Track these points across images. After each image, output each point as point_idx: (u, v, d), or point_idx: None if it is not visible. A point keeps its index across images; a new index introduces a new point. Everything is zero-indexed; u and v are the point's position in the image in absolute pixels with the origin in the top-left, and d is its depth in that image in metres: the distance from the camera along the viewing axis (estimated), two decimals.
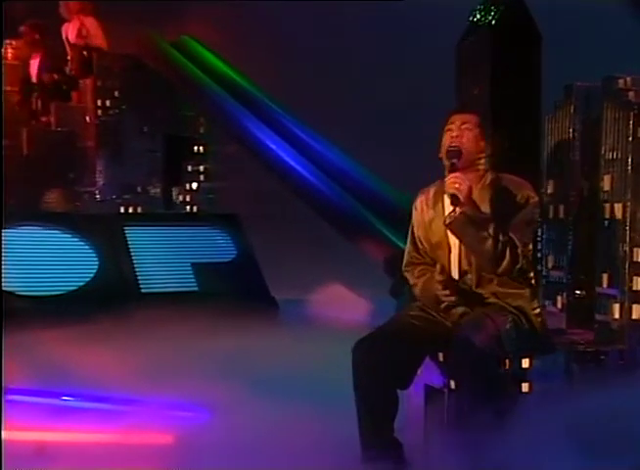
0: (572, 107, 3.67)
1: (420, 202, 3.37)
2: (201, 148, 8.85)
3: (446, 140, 3.24)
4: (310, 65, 8.71)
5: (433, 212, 3.28)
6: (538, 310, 3.21)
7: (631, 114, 3.36)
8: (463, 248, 3.19)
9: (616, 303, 3.41)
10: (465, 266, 3.21)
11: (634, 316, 3.36)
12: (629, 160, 3.37)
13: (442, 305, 3.26)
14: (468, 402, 3.00)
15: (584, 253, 3.63)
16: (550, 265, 3.71)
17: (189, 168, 8.72)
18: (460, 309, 3.24)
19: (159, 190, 8.45)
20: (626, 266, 3.37)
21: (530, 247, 3.19)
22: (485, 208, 3.14)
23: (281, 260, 8.09)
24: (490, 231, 3.04)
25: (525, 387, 3.13)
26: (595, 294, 3.55)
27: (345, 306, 7.60)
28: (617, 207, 3.40)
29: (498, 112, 4.02)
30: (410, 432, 3.36)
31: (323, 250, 8.28)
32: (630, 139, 3.35)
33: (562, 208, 3.69)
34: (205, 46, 8.83)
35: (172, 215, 8.17)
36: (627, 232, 3.37)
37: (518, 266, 3.07)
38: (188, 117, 8.77)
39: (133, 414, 4.11)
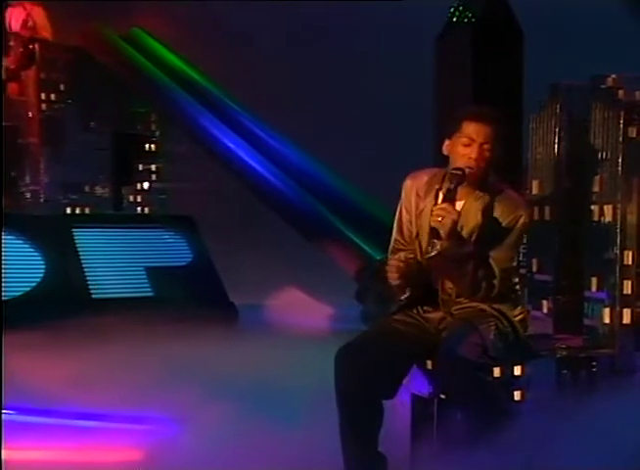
0: (558, 106, 3.70)
1: (410, 187, 3.30)
2: (152, 146, 8.72)
3: (462, 156, 3.14)
4: (270, 61, 8.68)
5: (422, 203, 3.25)
6: (521, 316, 3.23)
7: (622, 113, 3.41)
8: None
9: (606, 307, 3.44)
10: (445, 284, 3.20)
11: (625, 321, 3.40)
12: (620, 160, 3.41)
13: (423, 311, 3.28)
14: (459, 414, 3.00)
15: (571, 255, 3.66)
16: (535, 269, 3.73)
17: (140, 167, 8.58)
18: (439, 314, 3.25)
19: (108, 190, 8.31)
20: (617, 270, 3.41)
21: (514, 263, 3.23)
22: (475, 220, 3.14)
23: (239, 264, 8.03)
24: (471, 266, 3.05)
25: (517, 395, 3.14)
26: (583, 298, 3.58)
27: (308, 312, 7.59)
28: (608, 208, 3.43)
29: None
30: (396, 445, 3.35)
31: (283, 253, 8.23)
32: (621, 139, 3.40)
33: (547, 209, 3.71)
34: (157, 39, 8.71)
35: (124, 217, 8.03)
36: (618, 234, 3.40)
37: (495, 292, 3.11)
38: (139, 113, 8.63)
39: (90, 430, 4.03)
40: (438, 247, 3.04)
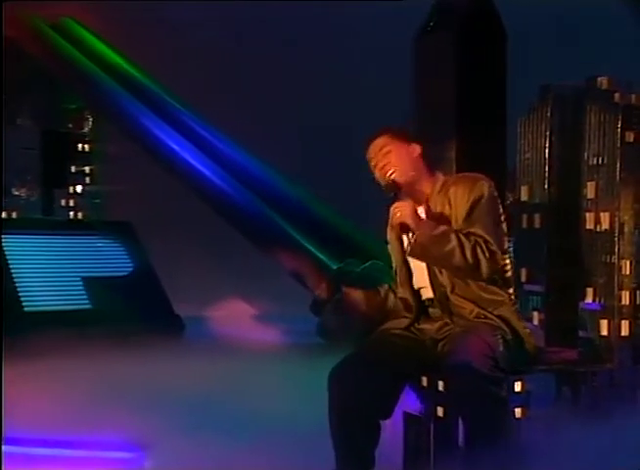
0: (549, 109, 3.74)
1: (390, 227, 3.41)
2: (86, 146, 8.54)
3: (379, 175, 3.33)
4: (215, 58, 8.60)
5: (392, 235, 3.37)
6: (527, 329, 3.26)
7: (619, 117, 3.47)
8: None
9: (603, 318, 3.49)
10: (437, 278, 3.24)
11: (623, 333, 3.46)
12: (617, 166, 3.48)
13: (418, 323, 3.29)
14: (462, 432, 3.00)
15: (563, 265, 3.69)
16: (524, 278, 3.76)
17: (72, 169, 8.40)
18: (437, 324, 3.27)
19: (37, 193, 8.10)
20: (615, 280, 3.47)
21: (506, 242, 3.27)
22: (445, 211, 3.22)
23: (182, 274, 7.93)
24: (454, 242, 3.09)
25: (518, 412, 3.16)
26: (577, 309, 3.63)
27: (258, 324, 7.55)
28: (604, 216, 3.48)
29: (461, 113, 4.08)
30: (388, 465, 3.35)
31: (231, 261, 8.17)
32: (619, 144, 3.46)
33: (537, 216, 3.74)
34: (91, 31, 8.54)
35: (55, 223, 7.85)
36: (616, 243, 3.46)
37: (500, 264, 3.14)
38: (71, 109, 8.43)
39: (21, 456, 3.92)
40: (412, 237, 3.13)
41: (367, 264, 6.86)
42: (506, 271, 3.31)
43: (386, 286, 3.55)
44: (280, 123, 8.40)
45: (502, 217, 3.29)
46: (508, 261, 3.32)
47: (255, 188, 7.42)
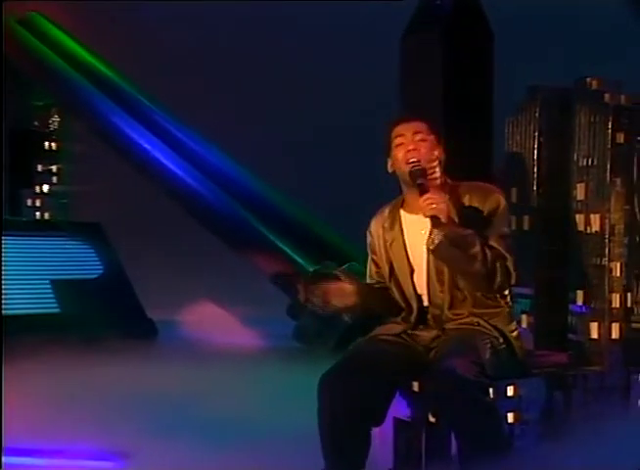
0: (538, 109, 3.77)
1: (376, 226, 3.42)
2: (53, 144, 8.46)
3: (402, 156, 3.26)
4: (188, 57, 8.56)
5: (391, 235, 3.34)
6: (516, 333, 3.29)
7: (609, 118, 3.51)
8: (431, 268, 3.25)
9: (593, 321, 3.53)
10: (435, 288, 3.25)
11: (614, 336, 3.50)
12: (608, 167, 3.52)
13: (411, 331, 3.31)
14: (452, 438, 3.03)
15: (552, 267, 3.73)
16: (513, 281, 3.79)
17: (39, 168, 8.32)
18: (433, 332, 3.28)
19: (2, 193, 8.00)
20: (606, 282, 3.50)
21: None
22: (462, 217, 3.18)
23: (154, 276, 7.88)
24: (478, 248, 3.08)
25: (510, 417, 3.19)
26: (567, 312, 3.66)
27: (233, 328, 7.52)
28: (595, 218, 3.51)
29: (448, 114, 4.11)
30: None
31: (205, 263, 8.14)
32: (609, 145, 3.51)
33: (526, 218, 3.77)
34: (60, 26, 8.46)
35: (22, 223, 7.77)
36: (607, 245, 3.50)
37: (512, 280, 3.16)
38: (37, 107, 8.35)
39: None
40: (441, 235, 3.08)
41: (345, 267, 6.87)
42: (505, 288, 3.31)
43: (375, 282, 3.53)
44: (255, 124, 8.40)
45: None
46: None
47: (230, 189, 7.40)
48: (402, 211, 3.37)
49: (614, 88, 3.60)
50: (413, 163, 3.22)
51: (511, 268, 3.15)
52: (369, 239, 3.47)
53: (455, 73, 4.13)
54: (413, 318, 3.30)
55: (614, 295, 3.50)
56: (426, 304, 3.33)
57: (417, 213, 3.28)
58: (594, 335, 3.51)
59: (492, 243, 3.15)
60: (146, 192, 7.98)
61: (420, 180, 3.18)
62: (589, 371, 3.48)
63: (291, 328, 6.89)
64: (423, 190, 3.15)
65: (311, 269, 6.92)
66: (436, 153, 3.29)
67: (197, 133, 7.79)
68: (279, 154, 8.16)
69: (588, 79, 3.61)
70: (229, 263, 7.75)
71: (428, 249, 3.18)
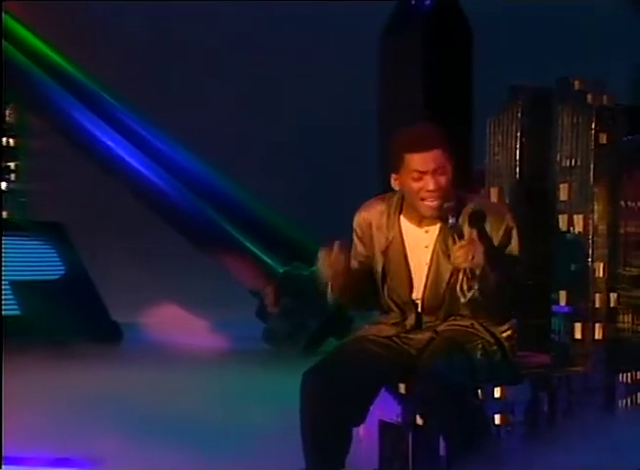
0: (520, 109, 3.84)
1: (364, 220, 3.37)
2: (10, 140, 8.38)
3: (419, 191, 3.18)
4: (154, 54, 8.53)
5: (386, 238, 3.32)
6: (509, 332, 3.33)
7: (592, 118, 3.59)
8: (430, 280, 3.26)
9: (576, 322, 3.61)
10: (433, 297, 3.28)
11: (597, 337, 3.58)
12: (591, 168, 3.60)
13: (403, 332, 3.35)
14: (439, 441, 3.09)
15: (536, 268, 3.80)
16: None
17: None
18: (427, 335, 3.31)
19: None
20: (589, 282, 3.58)
21: None
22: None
23: (118, 277, 7.85)
24: (506, 292, 3.10)
25: (497, 419, 3.25)
26: (549, 312, 3.75)
27: (199, 331, 7.52)
28: (578, 218, 3.59)
29: (427, 113, 4.17)
30: None
31: (171, 264, 8.12)
32: (592, 146, 3.59)
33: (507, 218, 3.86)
34: (18, 19, 8.38)
35: None
36: (590, 246, 3.58)
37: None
38: None
39: None
40: (475, 288, 3.08)
41: (315, 268, 6.90)
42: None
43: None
44: (223, 122, 8.40)
45: None
46: None
47: (196, 188, 7.40)
48: (402, 218, 3.32)
49: (596, 88, 3.68)
50: (432, 200, 3.14)
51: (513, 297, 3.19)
52: (360, 230, 3.38)
53: (434, 73, 4.19)
54: (409, 324, 3.32)
55: (597, 295, 3.59)
56: (420, 310, 3.33)
57: (420, 227, 3.28)
58: (578, 335, 3.60)
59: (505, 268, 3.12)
60: (109, 190, 7.94)
61: (451, 221, 3.12)
62: (573, 372, 3.56)
63: (259, 330, 6.92)
64: (456, 233, 3.10)
65: (281, 270, 6.96)
66: (450, 172, 3.20)
67: (162, 131, 7.77)
68: (248, 153, 8.17)
69: (571, 80, 3.70)
70: (195, 264, 7.74)
71: (455, 292, 3.16)
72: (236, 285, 7.28)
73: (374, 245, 3.37)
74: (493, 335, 3.29)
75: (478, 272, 3.05)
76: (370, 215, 3.38)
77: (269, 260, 7.14)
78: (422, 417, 3.24)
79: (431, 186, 3.15)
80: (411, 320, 3.32)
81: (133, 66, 8.11)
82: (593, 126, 3.58)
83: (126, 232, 8.06)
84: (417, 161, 3.16)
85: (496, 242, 3.19)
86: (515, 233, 3.24)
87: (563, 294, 3.66)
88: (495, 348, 3.26)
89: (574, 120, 3.65)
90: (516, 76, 3.94)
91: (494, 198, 3.92)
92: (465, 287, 3.11)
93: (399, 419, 3.32)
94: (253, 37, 8.47)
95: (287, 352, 6.72)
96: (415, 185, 3.17)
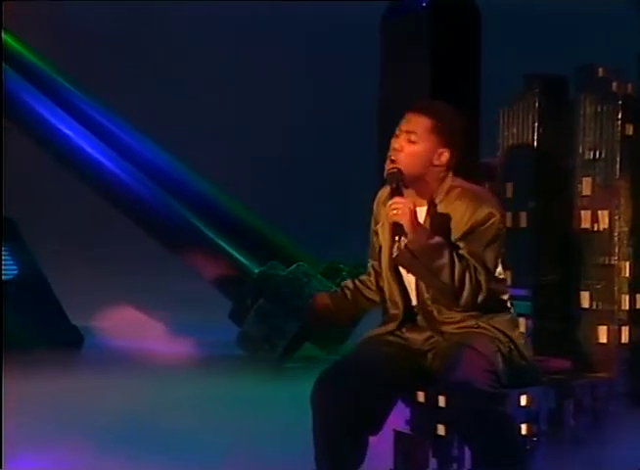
0: (536, 98, 3.81)
1: (378, 200, 3.40)
2: None
3: (390, 153, 3.26)
4: (118, 40, 8.43)
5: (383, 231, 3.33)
6: (523, 340, 3.32)
7: (618, 108, 3.57)
8: None
9: (601, 325, 3.60)
10: (423, 287, 3.26)
11: (623, 340, 3.58)
12: (617, 160, 3.59)
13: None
14: (475, 455, 3.03)
15: (552, 267, 3.78)
16: (509, 282, 3.82)
17: None
18: (424, 335, 3.28)
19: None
20: (615, 283, 3.56)
21: (499, 269, 3.27)
22: (444, 222, 3.20)
23: (77, 278, 7.73)
24: (446, 259, 3.09)
25: (523, 429, 3.22)
26: (569, 315, 3.73)
27: (166, 335, 7.43)
28: (602, 214, 3.57)
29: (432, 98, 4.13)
30: None
31: (137, 264, 8.02)
32: (618, 137, 3.57)
33: (523, 215, 3.80)
34: None
35: None
36: (616, 243, 3.57)
37: (482, 296, 3.14)
38: None
39: None
40: (404, 241, 3.11)
41: (292, 268, 6.86)
42: (499, 295, 3.31)
43: (350, 285, 3.55)
44: (196, 115, 8.34)
45: (501, 247, 3.24)
46: (499, 288, 3.29)
47: (165, 184, 7.27)
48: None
49: (620, 76, 3.68)
50: (390, 168, 3.22)
51: (483, 284, 3.13)
52: (375, 208, 3.44)
53: (439, 58, 4.15)
54: (399, 317, 3.30)
55: (623, 296, 3.58)
56: (414, 303, 3.32)
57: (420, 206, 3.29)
58: (602, 339, 3.59)
59: (467, 255, 3.14)
60: (66, 185, 7.80)
61: (394, 184, 3.18)
62: (597, 378, 3.54)
63: (233, 334, 6.84)
64: (394, 193, 3.17)
65: (256, 270, 6.89)
66: (439, 154, 3.21)
67: (126, 120, 7.62)
68: (224, 150, 8.14)
69: (595, 67, 3.68)
70: (163, 263, 7.63)
71: (390, 256, 3.23)
72: (207, 286, 7.19)
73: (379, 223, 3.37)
74: (509, 337, 3.25)
75: (405, 226, 3.10)
76: (382, 194, 3.41)
77: (243, 260, 7.06)
78: (443, 427, 3.21)
79: (396, 144, 3.24)
80: (401, 313, 3.30)
81: (96, 51, 8.00)
82: (619, 116, 3.57)
83: (85, 230, 7.95)
84: (404, 119, 3.27)
85: (463, 225, 3.16)
86: (492, 223, 3.17)
87: (585, 295, 3.65)
88: (511, 347, 3.23)
89: (598, 110, 3.63)
90: (527, 64, 3.94)
91: (509, 194, 3.90)
92: (394, 243, 3.16)
93: (416, 430, 3.29)
94: (218, 26, 8.45)
95: (263, 358, 6.66)
96: (391, 150, 3.26)
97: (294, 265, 6.81)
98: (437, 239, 3.13)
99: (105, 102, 7.64)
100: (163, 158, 7.49)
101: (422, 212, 3.25)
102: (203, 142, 8.22)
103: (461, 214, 3.19)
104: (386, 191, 3.35)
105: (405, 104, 3.87)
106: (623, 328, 3.57)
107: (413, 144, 3.22)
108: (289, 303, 6.63)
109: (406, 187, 3.21)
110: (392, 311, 3.36)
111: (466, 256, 3.14)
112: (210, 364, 6.55)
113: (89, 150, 7.31)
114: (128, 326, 7.55)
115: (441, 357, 3.20)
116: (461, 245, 3.16)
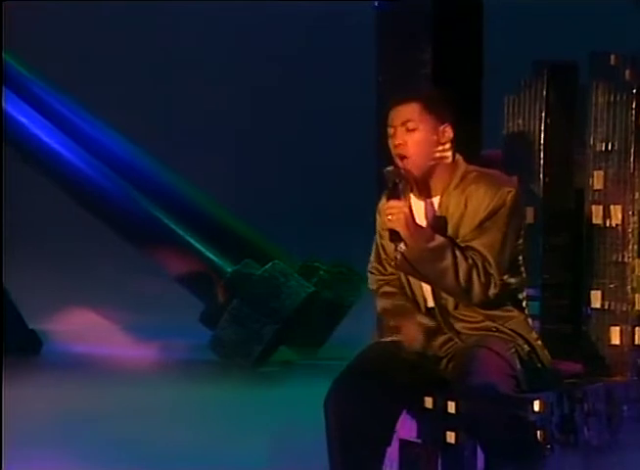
0: (545, 86, 3.80)
1: (382, 204, 3.37)
2: None
3: (393, 151, 3.28)
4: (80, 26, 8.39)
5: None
6: (540, 342, 3.35)
7: (632, 97, 3.56)
8: None
9: (614, 326, 3.60)
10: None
11: (638, 341, 3.56)
12: (631, 152, 3.56)
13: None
14: (496, 463, 3.05)
15: (563, 266, 3.79)
16: (494, 291, 3.79)
17: None
18: (441, 338, 3.29)
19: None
20: (629, 282, 3.56)
21: (512, 255, 3.29)
22: (458, 210, 3.24)
23: (34, 278, 7.66)
24: (449, 260, 3.12)
25: (539, 435, 3.23)
26: (580, 316, 3.74)
27: (133, 339, 7.40)
28: (614, 209, 3.56)
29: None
30: None
31: (99, 262, 7.97)
32: (632, 128, 3.54)
33: (530, 210, 3.75)
34: None
35: None
36: (629, 240, 3.56)
37: (493, 291, 3.18)
38: None
39: None
40: (402, 247, 3.16)
41: (268, 266, 6.85)
42: (517, 292, 3.35)
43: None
44: (163, 107, 8.33)
45: (521, 232, 3.31)
46: (516, 281, 3.33)
47: (130, 176, 7.21)
48: (412, 196, 3.35)
49: (634, 64, 3.69)
50: (399, 156, 3.25)
51: (493, 274, 3.16)
52: (377, 217, 3.45)
53: (439, 42, 4.16)
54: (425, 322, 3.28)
55: (637, 295, 3.59)
56: (431, 304, 3.34)
57: (424, 199, 3.32)
58: (615, 341, 3.61)
59: (479, 245, 3.17)
60: (21, 176, 7.71)
61: (391, 184, 3.22)
62: (611, 382, 3.55)
63: (206, 338, 6.82)
64: (390, 195, 3.21)
65: (229, 269, 6.88)
66: (441, 133, 3.27)
67: (87, 108, 7.53)
68: (194, 143, 8.13)
69: (607, 54, 3.69)
70: (129, 262, 7.61)
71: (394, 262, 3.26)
72: (177, 286, 7.16)
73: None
74: (526, 340, 3.28)
75: (401, 232, 3.14)
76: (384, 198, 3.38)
77: (215, 258, 7.04)
78: (454, 434, 3.22)
79: (398, 139, 3.27)
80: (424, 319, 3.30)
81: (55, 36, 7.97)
82: (633, 106, 3.59)
83: (41, 225, 7.88)
84: (390, 115, 3.31)
85: (477, 216, 3.20)
86: (503, 212, 3.20)
87: (596, 294, 3.65)
88: (532, 354, 3.27)
89: (611, 99, 3.63)
90: (536, 50, 3.95)
91: None
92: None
93: (424, 438, 3.29)
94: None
95: (238, 364, 6.66)
96: (391, 146, 3.30)
97: (269, 264, 6.80)
98: (438, 241, 3.16)
99: (61, 89, 7.57)
100: (128, 149, 7.44)
101: (435, 203, 3.28)
102: (171, 134, 8.20)
103: (479, 200, 3.22)
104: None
105: (405, 91, 3.90)
106: (637, 329, 3.57)
107: (413, 132, 3.25)
108: (265, 304, 6.63)
109: (410, 186, 3.26)
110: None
111: (477, 249, 3.16)
112: (181, 370, 6.55)
113: (45, 139, 7.24)
114: (91, 330, 7.52)
115: (459, 360, 3.21)
116: (472, 234, 3.19)
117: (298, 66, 8.99)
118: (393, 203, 3.18)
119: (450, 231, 3.25)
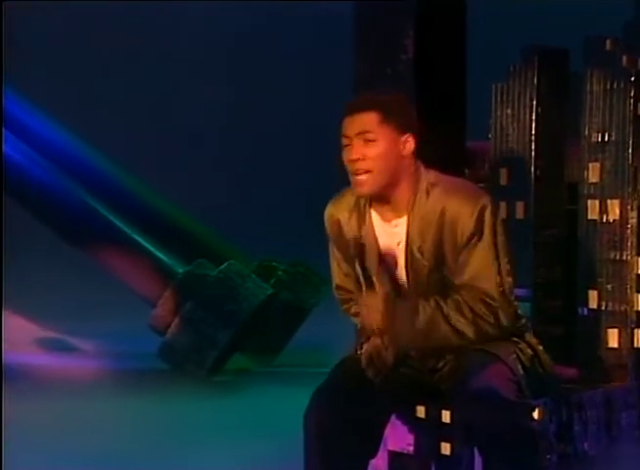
0: (535, 73, 3.84)
1: (332, 217, 3.37)
2: None
3: (348, 164, 3.20)
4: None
5: (360, 234, 3.30)
6: (541, 346, 3.37)
7: (630, 85, 3.61)
8: (410, 276, 3.26)
9: (611, 328, 3.66)
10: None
11: (637, 344, 3.60)
12: (629, 143, 3.62)
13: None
14: None
15: (556, 264, 3.84)
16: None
17: None
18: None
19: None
20: (629, 281, 3.62)
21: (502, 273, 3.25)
22: (432, 225, 3.19)
23: None
24: (444, 326, 3.12)
25: (538, 443, 3.26)
26: (575, 317, 3.78)
27: (69, 349, 7.35)
28: (611, 204, 3.62)
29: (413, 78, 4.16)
30: None
31: (33, 262, 7.88)
32: (630, 117, 3.60)
33: (520, 205, 3.83)
34: None
35: None
36: (628, 236, 3.62)
37: (507, 320, 3.19)
38: None
39: None
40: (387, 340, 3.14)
41: (223, 267, 6.82)
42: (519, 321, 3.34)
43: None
44: (118, 104, 8.28)
45: (508, 242, 3.26)
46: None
47: (71, 169, 7.10)
48: (373, 212, 3.31)
49: (631, 50, 3.75)
50: (360, 173, 3.16)
51: (502, 309, 3.15)
52: (329, 230, 3.37)
53: (422, 26, 4.19)
54: None
55: (636, 295, 3.64)
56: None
57: (389, 221, 3.27)
58: (613, 344, 3.67)
59: (472, 282, 3.14)
60: None
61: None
62: (608, 387, 3.61)
63: (155, 345, 6.78)
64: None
65: (181, 270, 6.84)
66: (403, 143, 3.18)
67: (26, 97, 7.45)
68: (142, 135, 8.08)
69: (603, 39, 3.74)
70: (69, 263, 7.54)
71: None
72: (124, 289, 7.10)
73: (349, 247, 3.33)
74: (525, 342, 3.30)
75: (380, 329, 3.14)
76: (337, 211, 3.36)
77: (165, 258, 6.99)
78: (449, 445, 3.25)
79: (354, 154, 3.16)
80: None
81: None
82: (631, 94, 3.64)
83: None
84: (344, 123, 3.20)
85: (459, 241, 3.16)
86: (490, 218, 3.17)
87: (593, 294, 3.70)
88: (535, 358, 3.29)
89: (607, 87, 3.68)
90: (526, 36, 4.00)
91: (503, 181, 3.93)
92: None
93: (416, 449, 3.32)
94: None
95: (191, 372, 6.62)
96: (345, 156, 3.21)
97: (224, 264, 6.77)
98: (424, 313, 3.12)
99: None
100: (69, 140, 7.37)
101: (402, 226, 3.23)
102: (115, 126, 8.17)
103: (454, 221, 3.15)
104: (344, 205, 3.33)
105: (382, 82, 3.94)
106: (637, 331, 3.63)
107: (372, 144, 3.16)
108: (220, 307, 6.60)
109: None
110: None
111: (470, 284, 3.14)
112: (129, 380, 6.49)
113: None
114: (24, 338, 7.44)
115: (457, 364, 3.22)
116: (462, 266, 3.15)
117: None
118: (367, 300, 3.19)
119: (429, 262, 3.21)
